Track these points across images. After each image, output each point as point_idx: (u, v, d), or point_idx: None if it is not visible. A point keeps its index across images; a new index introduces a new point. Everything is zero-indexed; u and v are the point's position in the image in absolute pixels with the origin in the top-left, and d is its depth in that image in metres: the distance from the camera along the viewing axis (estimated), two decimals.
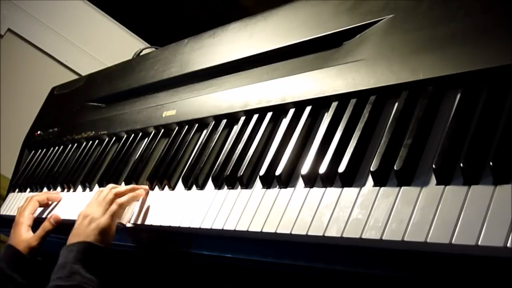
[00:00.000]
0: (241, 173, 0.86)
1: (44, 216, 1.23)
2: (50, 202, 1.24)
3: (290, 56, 0.95)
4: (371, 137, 0.74)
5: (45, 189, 1.37)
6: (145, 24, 2.59)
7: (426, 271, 0.59)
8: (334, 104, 0.82)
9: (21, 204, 1.20)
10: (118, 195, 0.99)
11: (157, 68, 1.27)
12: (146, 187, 1.04)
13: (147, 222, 0.96)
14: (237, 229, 0.79)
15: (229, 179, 0.88)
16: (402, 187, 0.64)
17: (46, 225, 1.11)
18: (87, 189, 1.22)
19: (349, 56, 0.83)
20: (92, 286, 0.85)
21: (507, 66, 0.62)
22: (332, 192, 0.71)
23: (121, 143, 1.23)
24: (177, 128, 1.11)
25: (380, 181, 0.67)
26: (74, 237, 0.93)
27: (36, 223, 1.15)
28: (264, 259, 0.77)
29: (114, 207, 0.96)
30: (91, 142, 1.35)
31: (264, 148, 0.89)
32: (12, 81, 2.27)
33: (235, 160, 0.89)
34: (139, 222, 0.98)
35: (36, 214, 1.20)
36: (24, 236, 1.11)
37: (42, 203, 1.22)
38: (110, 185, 1.03)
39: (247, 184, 0.85)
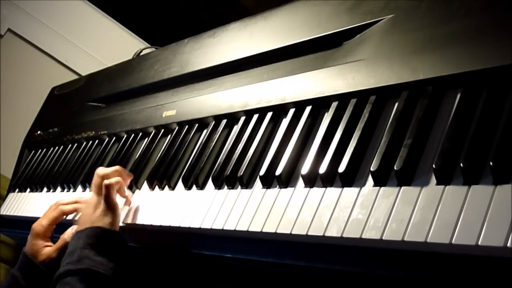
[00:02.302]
0: (241, 173, 0.86)
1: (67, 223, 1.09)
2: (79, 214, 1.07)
3: (290, 56, 0.95)
4: (371, 137, 0.74)
5: (44, 190, 1.37)
6: (145, 24, 2.59)
7: (426, 271, 0.59)
8: (334, 104, 0.82)
9: (48, 207, 1.08)
10: (107, 177, 0.98)
11: (157, 68, 1.27)
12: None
13: (147, 222, 0.96)
14: (237, 229, 0.79)
15: (229, 179, 0.88)
16: (402, 187, 0.64)
17: (66, 238, 0.99)
18: (87, 189, 1.22)
19: (349, 56, 0.83)
20: (104, 269, 0.84)
21: (507, 66, 0.62)
22: (332, 192, 0.71)
23: (121, 143, 1.23)
24: (177, 128, 1.11)
25: (380, 181, 0.67)
26: (79, 226, 0.92)
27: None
28: (264, 259, 0.77)
29: (104, 191, 0.95)
30: (91, 142, 1.35)
31: (264, 148, 0.89)
32: (12, 81, 2.27)
33: (235, 160, 0.89)
34: (139, 222, 0.98)
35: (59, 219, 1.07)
36: (41, 248, 1.02)
37: (68, 213, 1.08)
38: (100, 172, 0.99)
39: (247, 184, 0.85)
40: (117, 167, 1.02)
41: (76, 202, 1.09)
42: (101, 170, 1.00)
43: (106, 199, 0.95)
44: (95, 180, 0.98)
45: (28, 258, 1.01)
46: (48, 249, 1.02)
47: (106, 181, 0.97)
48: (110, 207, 0.94)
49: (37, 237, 1.03)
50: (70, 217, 1.10)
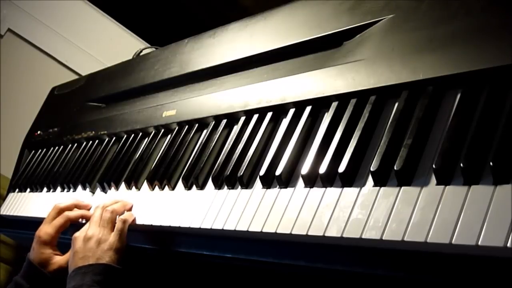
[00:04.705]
0: (241, 173, 0.86)
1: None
2: (83, 221, 1.06)
3: (290, 56, 0.95)
4: (371, 137, 0.74)
5: (44, 190, 1.37)
6: (145, 24, 2.59)
7: (426, 271, 0.59)
8: (334, 104, 0.82)
9: (48, 213, 1.06)
10: (116, 212, 0.98)
11: (157, 68, 1.27)
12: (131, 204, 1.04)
13: (147, 222, 0.96)
14: (237, 229, 0.79)
15: (229, 179, 0.88)
16: (402, 187, 0.64)
17: None
18: (87, 189, 1.22)
19: (349, 56, 0.83)
20: None
21: (507, 66, 0.62)
22: (332, 192, 0.71)
23: (121, 143, 1.23)
24: (177, 128, 1.11)
25: (380, 181, 0.67)
26: (82, 260, 0.89)
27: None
28: (264, 259, 0.77)
29: (120, 225, 0.95)
30: (91, 142, 1.35)
31: (264, 148, 0.89)
32: (12, 81, 2.26)
33: (235, 160, 0.89)
34: (139, 222, 0.98)
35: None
36: (51, 257, 1.01)
37: (74, 220, 1.06)
38: (101, 205, 1.00)
39: (247, 184, 0.85)
40: (121, 201, 1.02)
41: (76, 206, 1.09)
42: (108, 205, 0.99)
43: (121, 235, 0.93)
44: (105, 214, 0.97)
45: (35, 267, 0.99)
46: (58, 258, 1.01)
47: (123, 217, 0.96)
48: (121, 243, 0.93)
49: (45, 246, 1.01)
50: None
